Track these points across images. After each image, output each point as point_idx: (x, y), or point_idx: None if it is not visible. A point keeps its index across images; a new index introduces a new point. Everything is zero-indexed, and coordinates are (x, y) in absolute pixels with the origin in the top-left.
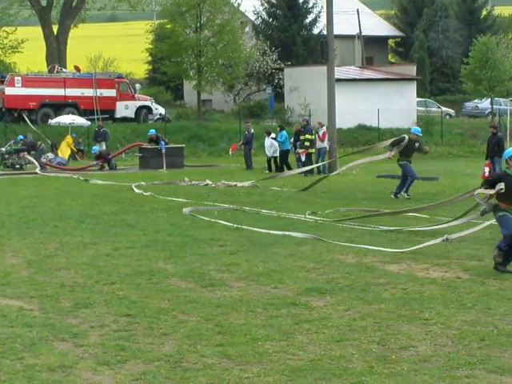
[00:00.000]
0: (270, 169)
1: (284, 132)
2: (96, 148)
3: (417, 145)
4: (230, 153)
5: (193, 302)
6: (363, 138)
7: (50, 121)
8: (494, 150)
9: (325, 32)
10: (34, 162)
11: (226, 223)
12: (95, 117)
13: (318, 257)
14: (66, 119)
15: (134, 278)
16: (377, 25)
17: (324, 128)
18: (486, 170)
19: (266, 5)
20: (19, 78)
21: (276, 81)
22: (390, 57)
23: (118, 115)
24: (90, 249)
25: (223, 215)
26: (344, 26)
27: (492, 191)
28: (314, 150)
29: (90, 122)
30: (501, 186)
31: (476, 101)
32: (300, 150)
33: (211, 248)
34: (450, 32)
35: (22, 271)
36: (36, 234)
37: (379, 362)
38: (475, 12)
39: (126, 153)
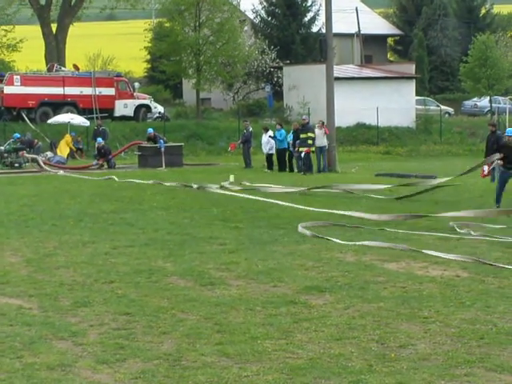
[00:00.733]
0: (269, 167)
1: (283, 130)
2: (100, 139)
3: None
4: (229, 150)
5: (192, 300)
6: (362, 136)
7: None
8: (493, 148)
9: (324, 30)
10: (39, 159)
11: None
12: (94, 115)
13: (317, 255)
14: (64, 118)
15: (133, 276)
16: (376, 23)
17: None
18: (485, 168)
19: (264, 3)
20: (18, 77)
21: (275, 79)
22: (388, 55)
23: (117, 114)
24: (88, 247)
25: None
26: (343, 24)
27: None
28: (314, 149)
29: (88, 122)
30: None
31: (475, 99)
32: (302, 149)
33: (210, 246)
34: (449, 30)
35: (21, 270)
36: (35, 232)
37: (378, 361)
38: (474, 10)
39: (125, 151)
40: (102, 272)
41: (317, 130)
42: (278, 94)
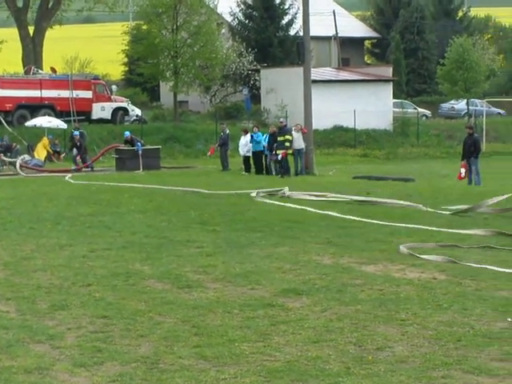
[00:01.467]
0: (246, 169)
1: (259, 133)
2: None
3: None
4: (208, 154)
5: (169, 303)
6: (339, 139)
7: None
8: (470, 150)
9: (301, 33)
10: (16, 162)
11: None
12: (71, 118)
13: (294, 258)
14: (41, 121)
15: (110, 279)
16: (353, 26)
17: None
18: (463, 170)
19: (242, 6)
20: None
21: (252, 82)
22: (366, 58)
23: (94, 117)
24: (66, 250)
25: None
26: (320, 27)
27: None
28: (291, 151)
29: (66, 125)
30: None
31: (452, 102)
32: (279, 152)
33: (188, 249)
34: (426, 33)
35: None
36: (12, 235)
37: (356, 363)
38: (451, 13)
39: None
40: (79, 275)
41: (294, 133)
42: (255, 97)
